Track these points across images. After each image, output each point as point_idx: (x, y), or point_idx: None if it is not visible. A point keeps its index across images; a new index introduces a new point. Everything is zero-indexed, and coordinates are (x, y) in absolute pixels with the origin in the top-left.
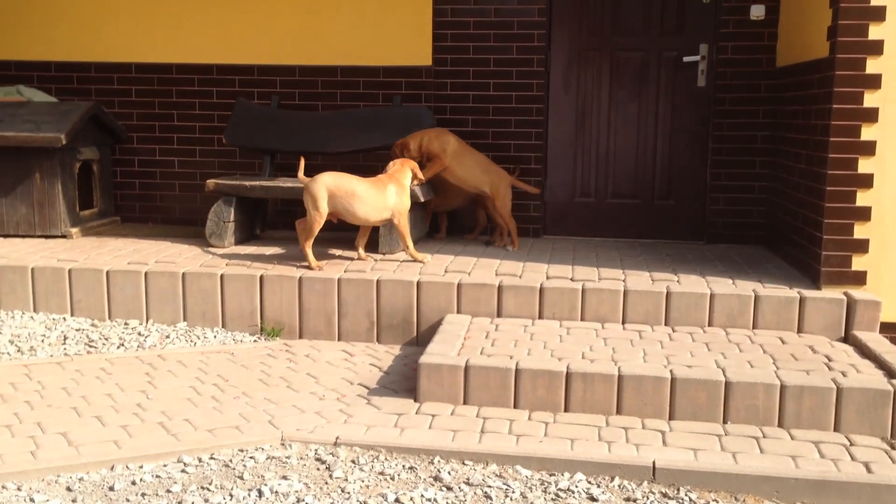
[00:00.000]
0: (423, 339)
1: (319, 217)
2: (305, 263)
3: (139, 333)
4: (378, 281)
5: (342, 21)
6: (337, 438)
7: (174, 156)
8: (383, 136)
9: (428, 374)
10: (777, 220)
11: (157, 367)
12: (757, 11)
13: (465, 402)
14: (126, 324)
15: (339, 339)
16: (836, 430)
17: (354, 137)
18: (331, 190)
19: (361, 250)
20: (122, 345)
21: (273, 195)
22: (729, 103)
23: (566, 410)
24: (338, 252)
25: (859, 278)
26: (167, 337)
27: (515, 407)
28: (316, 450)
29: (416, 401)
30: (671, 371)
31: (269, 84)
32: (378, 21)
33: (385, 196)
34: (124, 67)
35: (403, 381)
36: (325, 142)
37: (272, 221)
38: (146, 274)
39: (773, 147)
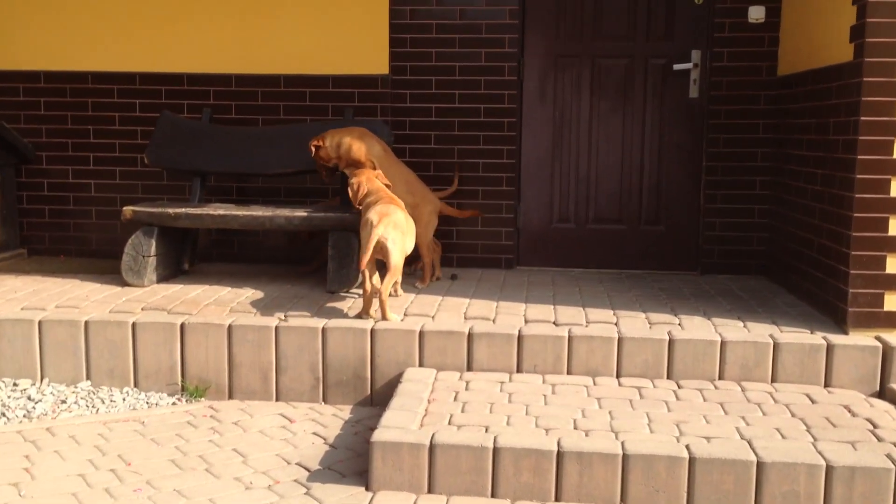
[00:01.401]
0: (378, 397)
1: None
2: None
3: (29, 397)
4: (324, 329)
5: (286, 24)
6: None
7: (90, 178)
8: None
9: (383, 454)
10: (782, 249)
11: (43, 445)
12: (756, 13)
13: (430, 491)
14: (15, 385)
15: (276, 399)
16: None
17: (300, 157)
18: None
19: (399, 287)
20: (4, 414)
21: (203, 224)
22: (725, 116)
23: (558, 500)
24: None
25: (892, 320)
26: (63, 402)
27: (494, 496)
28: None
29: (368, 489)
30: (688, 447)
31: (201, 95)
32: (327, 24)
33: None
34: (31, 76)
35: (353, 460)
36: (266, 161)
37: (204, 253)
38: (40, 323)
39: (777, 165)
